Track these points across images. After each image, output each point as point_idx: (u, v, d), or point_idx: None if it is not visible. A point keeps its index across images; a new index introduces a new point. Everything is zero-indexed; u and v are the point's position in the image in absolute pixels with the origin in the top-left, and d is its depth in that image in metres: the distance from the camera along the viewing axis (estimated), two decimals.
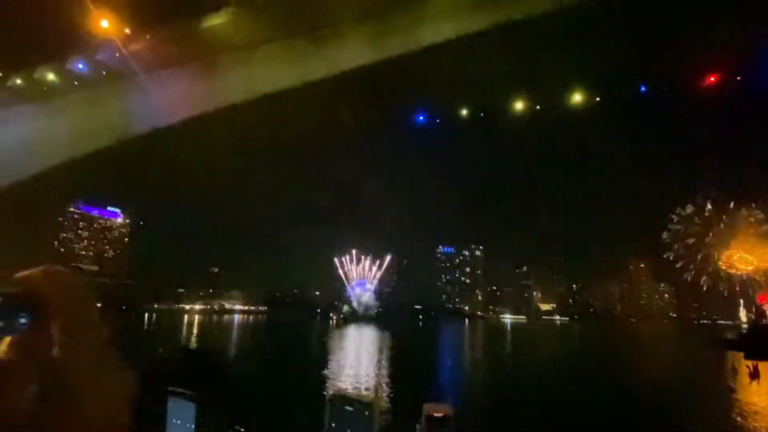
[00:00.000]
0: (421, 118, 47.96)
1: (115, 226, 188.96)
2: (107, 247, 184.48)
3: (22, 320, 0.72)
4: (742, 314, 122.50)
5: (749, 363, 37.02)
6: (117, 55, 37.42)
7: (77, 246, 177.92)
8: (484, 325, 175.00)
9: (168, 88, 37.38)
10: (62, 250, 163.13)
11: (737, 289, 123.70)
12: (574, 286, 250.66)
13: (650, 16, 30.99)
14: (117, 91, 38.80)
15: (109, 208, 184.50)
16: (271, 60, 35.04)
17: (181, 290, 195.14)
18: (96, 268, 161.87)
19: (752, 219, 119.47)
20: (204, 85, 36.82)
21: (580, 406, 25.53)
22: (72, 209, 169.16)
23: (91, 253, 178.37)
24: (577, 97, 40.62)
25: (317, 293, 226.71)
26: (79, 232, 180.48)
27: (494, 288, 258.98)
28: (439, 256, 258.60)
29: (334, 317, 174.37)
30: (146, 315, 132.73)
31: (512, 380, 34.95)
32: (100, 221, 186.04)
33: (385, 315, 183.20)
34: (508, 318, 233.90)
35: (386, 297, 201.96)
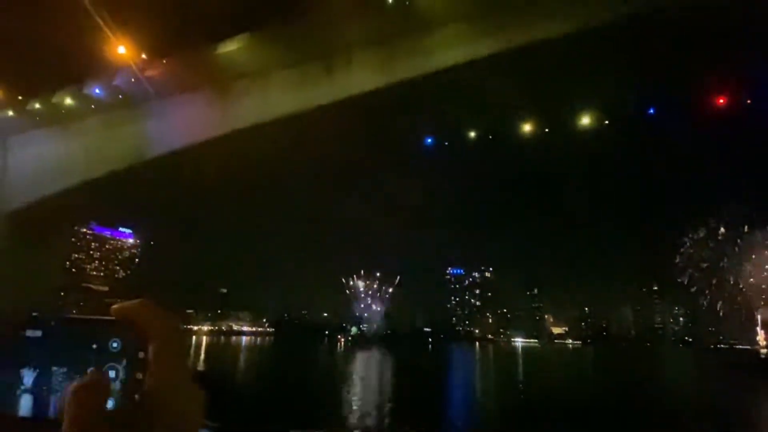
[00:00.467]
0: (430, 140, 48.32)
1: (126, 247, 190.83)
2: (118, 267, 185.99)
3: (114, 344, 0.80)
4: (761, 337, 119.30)
5: None
6: (133, 80, 38.47)
7: (89, 266, 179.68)
8: (495, 348, 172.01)
9: (182, 112, 38.21)
10: (74, 270, 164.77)
11: (755, 313, 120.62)
12: (587, 309, 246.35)
13: (658, 39, 31.22)
14: (133, 115, 39.74)
15: (121, 229, 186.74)
16: (283, 85, 35.76)
17: (190, 311, 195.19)
18: (106, 288, 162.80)
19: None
20: (218, 109, 37.60)
21: None
22: (85, 230, 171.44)
23: (102, 274, 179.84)
24: (586, 120, 40.72)
25: (325, 314, 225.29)
26: (91, 252, 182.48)
27: (505, 311, 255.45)
28: (448, 277, 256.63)
29: (342, 339, 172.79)
30: None
31: (528, 412, 33.87)
32: (112, 242, 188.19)
33: (394, 337, 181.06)
34: (519, 342, 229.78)
35: (395, 319, 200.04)
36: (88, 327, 0.81)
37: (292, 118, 35.77)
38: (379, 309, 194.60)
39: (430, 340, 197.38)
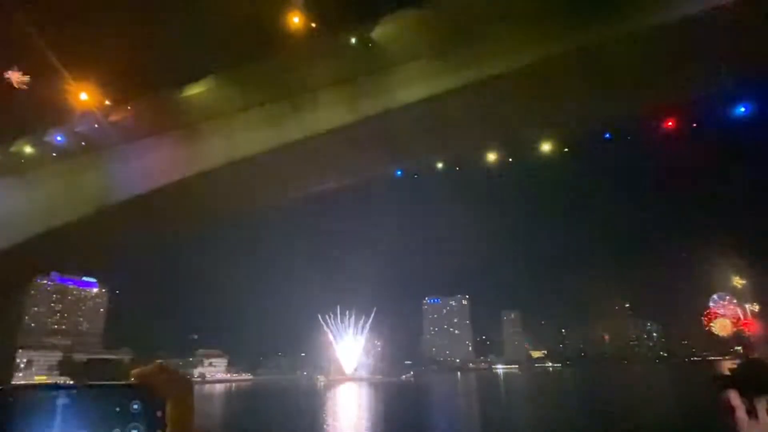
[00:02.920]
0: (399, 173, 49.07)
1: (90, 297, 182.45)
2: (81, 319, 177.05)
3: (135, 406, 0.91)
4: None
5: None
6: (96, 125, 37.90)
7: (49, 320, 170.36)
8: (477, 377, 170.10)
9: (147, 156, 37.73)
10: (32, 324, 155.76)
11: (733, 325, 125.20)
12: (563, 330, 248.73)
13: (610, 69, 33.16)
14: (96, 161, 38.94)
15: (84, 279, 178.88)
16: (249, 125, 35.96)
17: (159, 361, 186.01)
18: (69, 342, 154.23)
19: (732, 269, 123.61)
20: (183, 151, 37.31)
21: None
22: (45, 281, 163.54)
23: (64, 327, 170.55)
24: (546, 147, 42.36)
25: (303, 354, 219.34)
26: (52, 304, 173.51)
27: (484, 337, 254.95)
28: (426, 307, 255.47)
29: (322, 379, 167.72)
30: None
31: None
32: (75, 292, 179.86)
33: (375, 372, 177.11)
34: (500, 368, 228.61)
35: (375, 353, 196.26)
36: (111, 392, 0.92)
37: (261, 156, 35.81)
38: (357, 345, 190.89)
39: (411, 372, 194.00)
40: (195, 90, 35.79)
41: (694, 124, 43.81)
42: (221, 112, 36.18)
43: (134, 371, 0.95)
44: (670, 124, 43.71)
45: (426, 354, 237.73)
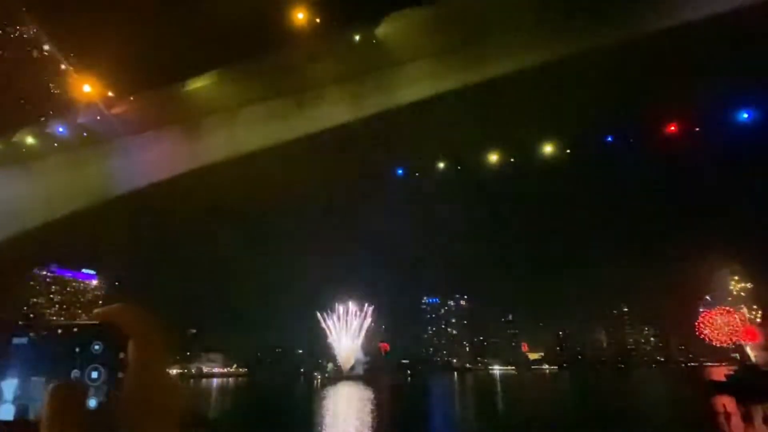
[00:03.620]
0: (401, 171, 49.10)
1: (89, 289, 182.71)
2: (80, 311, 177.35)
3: (96, 347, 0.88)
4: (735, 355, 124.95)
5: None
6: (98, 118, 37.87)
7: (48, 311, 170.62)
8: (474, 377, 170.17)
9: (149, 149, 37.71)
10: (32, 315, 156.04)
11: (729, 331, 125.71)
12: (561, 333, 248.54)
13: (612, 73, 33.13)
14: (97, 154, 38.92)
15: (84, 271, 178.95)
16: (252, 120, 35.93)
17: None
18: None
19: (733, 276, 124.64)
20: (185, 146, 37.30)
21: None
22: (45, 272, 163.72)
23: (62, 318, 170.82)
24: (548, 149, 42.34)
25: (300, 351, 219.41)
26: (51, 296, 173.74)
27: (481, 338, 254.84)
28: (424, 307, 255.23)
29: (319, 376, 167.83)
30: None
31: None
32: (74, 284, 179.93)
33: (372, 371, 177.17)
34: (497, 369, 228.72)
35: (373, 352, 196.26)
36: (71, 332, 0.89)
37: (262, 153, 35.80)
38: (356, 343, 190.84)
39: (408, 372, 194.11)
40: (198, 84, 35.74)
41: (696, 129, 43.77)
42: (224, 107, 36.13)
43: (96, 310, 0.91)
44: (672, 128, 43.72)
45: (423, 354, 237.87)
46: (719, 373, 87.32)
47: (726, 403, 40.91)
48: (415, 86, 32.43)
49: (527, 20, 28.96)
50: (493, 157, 43.47)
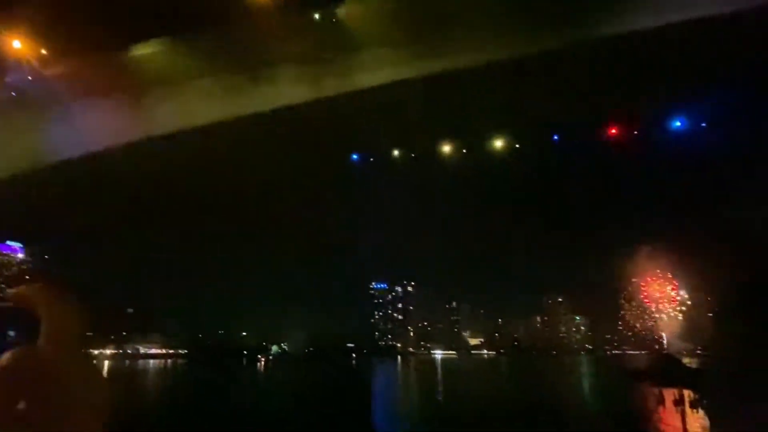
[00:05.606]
0: (355, 157, 48.98)
1: (14, 263, 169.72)
2: (3, 285, 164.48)
3: (11, 333, 0.81)
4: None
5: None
6: (30, 78, 34.89)
7: None
8: (416, 361, 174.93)
9: (89, 117, 35.25)
10: None
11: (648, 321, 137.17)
12: (500, 320, 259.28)
13: (560, 74, 34.59)
14: (28, 119, 35.90)
15: (8, 243, 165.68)
16: (204, 94, 34.47)
17: (89, 333, 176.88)
18: None
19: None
20: (129, 116, 35.22)
21: None
22: None
23: None
24: (498, 143, 43.69)
25: (244, 334, 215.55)
26: None
27: (426, 324, 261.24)
28: (372, 292, 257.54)
29: (263, 359, 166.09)
30: None
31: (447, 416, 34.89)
32: None
33: (318, 354, 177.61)
34: (439, 354, 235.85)
35: (319, 335, 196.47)
36: None
37: (212, 128, 34.55)
38: (300, 325, 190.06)
39: (354, 355, 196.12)
40: (147, 50, 33.68)
41: (635, 132, 46.71)
42: (174, 78, 34.35)
43: (9, 291, 0.84)
44: (613, 131, 46.41)
45: (369, 338, 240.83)
46: (639, 359, 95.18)
47: (644, 387, 44.88)
48: (373, 72, 32.35)
49: (491, 15, 29.54)
50: (446, 148, 44.32)
